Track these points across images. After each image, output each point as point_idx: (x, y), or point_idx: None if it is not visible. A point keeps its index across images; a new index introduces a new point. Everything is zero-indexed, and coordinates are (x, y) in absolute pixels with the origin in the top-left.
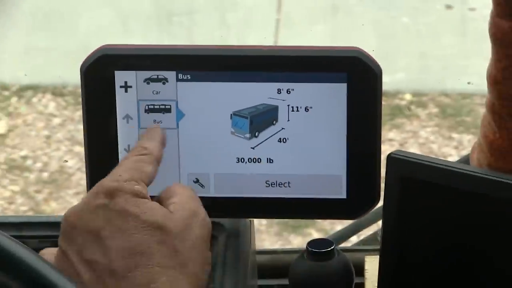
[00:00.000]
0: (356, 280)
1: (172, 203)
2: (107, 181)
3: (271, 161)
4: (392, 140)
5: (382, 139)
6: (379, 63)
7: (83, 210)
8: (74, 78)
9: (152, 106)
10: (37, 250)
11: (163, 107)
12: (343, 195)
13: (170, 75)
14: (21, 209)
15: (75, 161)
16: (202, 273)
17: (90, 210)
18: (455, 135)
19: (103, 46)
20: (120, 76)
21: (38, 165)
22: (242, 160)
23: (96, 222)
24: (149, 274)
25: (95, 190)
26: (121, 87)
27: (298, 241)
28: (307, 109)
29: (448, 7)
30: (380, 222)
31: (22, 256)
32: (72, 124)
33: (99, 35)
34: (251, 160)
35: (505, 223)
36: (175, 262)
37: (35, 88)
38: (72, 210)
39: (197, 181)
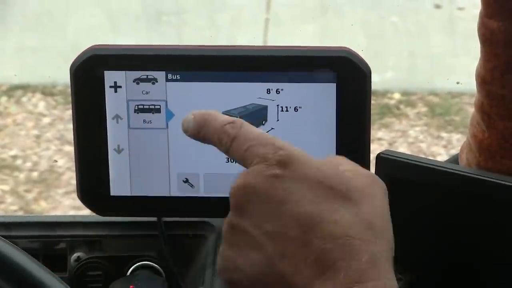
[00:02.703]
0: None
1: (346, 170)
2: (270, 152)
3: None
4: (381, 140)
5: (371, 138)
6: (368, 63)
7: (257, 183)
8: (63, 77)
9: (141, 106)
10: (26, 250)
11: (153, 107)
12: None
13: (160, 75)
14: (10, 208)
15: (64, 160)
16: (393, 244)
17: (265, 182)
18: (444, 134)
19: (92, 46)
20: (110, 76)
21: (28, 164)
22: (232, 160)
23: (274, 193)
24: (348, 248)
25: (262, 163)
26: (110, 87)
27: None
28: (297, 109)
29: (437, 6)
30: None
31: (13, 257)
32: (61, 123)
33: (88, 35)
34: None
35: (494, 222)
36: (373, 235)
37: (24, 88)
38: (242, 183)
39: (186, 181)
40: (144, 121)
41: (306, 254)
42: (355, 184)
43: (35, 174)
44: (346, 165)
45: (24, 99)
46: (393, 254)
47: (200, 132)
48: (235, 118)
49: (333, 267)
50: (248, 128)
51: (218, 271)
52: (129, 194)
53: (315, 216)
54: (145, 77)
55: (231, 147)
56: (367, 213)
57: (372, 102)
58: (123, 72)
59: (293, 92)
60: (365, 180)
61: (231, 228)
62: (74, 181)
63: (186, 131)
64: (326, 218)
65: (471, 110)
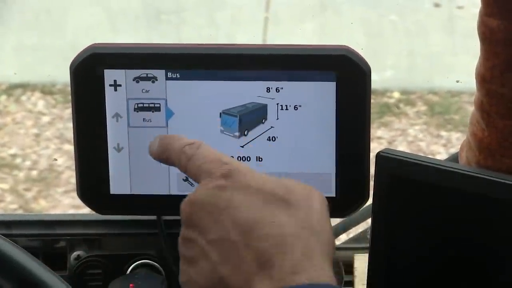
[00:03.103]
0: (345, 278)
1: (286, 180)
2: (215, 167)
3: (260, 159)
4: (381, 138)
5: (370, 137)
6: (367, 62)
7: (201, 195)
8: (63, 76)
9: (141, 105)
10: (27, 248)
11: (153, 105)
12: (332, 193)
13: (160, 73)
14: (10, 207)
15: (64, 159)
16: (333, 243)
17: (208, 194)
18: (443, 133)
19: (92, 45)
20: (110, 75)
21: (27, 163)
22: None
23: (217, 203)
24: (282, 244)
25: (207, 178)
26: (110, 85)
27: None
28: (296, 107)
29: (436, 5)
30: (369, 220)
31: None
32: (61, 122)
33: (87, 33)
34: (240, 158)
35: (494, 220)
36: (308, 233)
37: (24, 87)
38: (189, 198)
39: (186, 179)
40: (144, 119)
41: (244, 255)
42: (294, 191)
43: (34, 173)
44: (288, 179)
45: (24, 98)
46: (331, 253)
47: (163, 154)
48: (195, 140)
49: (268, 263)
50: (204, 148)
51: (181, 285)
52: (129, 193)
53: (252, 220)
54: (145, 75)
55: (187, 166)
56: (303, 215)
57: (372, 101)
58: (123, 70)
59: (293, 91)
60: (304, 189)
61: (183, 242)
62: (73, 180)
63: (151, 153)
64: (263, 221)
65: (471, 108)
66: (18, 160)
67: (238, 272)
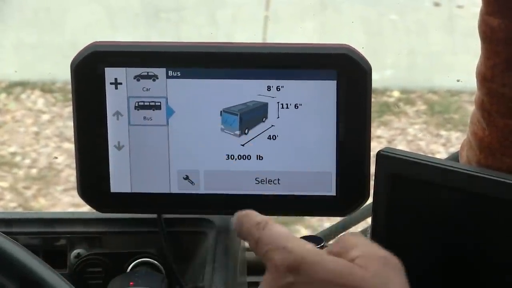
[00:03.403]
0: None
1: (356, 257)
2: (280, 258)
3: (261, 158)
4: (380, 137)
5: (371, 136)
6: (368, 60)
7: None
8: (63, 74)
9: (142, 103)
10: (27, 246)
11: (153, 104)
12: (332, 192)
13: (160, 72)
14: (10, 205)
15: (64, 157)
16: None
17: None
18: (443, 132)
19: (93, 43)
20: (110, 73)
21: (27, 161)
22: (232, 157)
23: None
24: None
25: (275, 271)
26: (111, 83)
27: None
28: (297, 106)
29: (436, 4)
30: (369, 219)
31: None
32: (61, 120)
33: (87, 31)
34: (241, 157)
35: (494, 220)
36: None
37: (24, 85)
38: None
39: (187, 178)
40: (144, 117)
41: None
42: (366, 277)
43: (34, 171)
44: (360, 248)
45: (23, 96)
46: None
47: (240, 233)
48: (261, 218)
49: None
50: (269, 230)
51: None
52: (129, 191)
53: None
54: (145, 74)
55: (256, 250)
56: None
57: (371, 100)
58: (124, 69)
59: (293, 89)
60: (378, 265)
61: None
62: (73, 178)
63: (235, 229)
64: None
65: (470, 108)
66: (17, 158)
67: None
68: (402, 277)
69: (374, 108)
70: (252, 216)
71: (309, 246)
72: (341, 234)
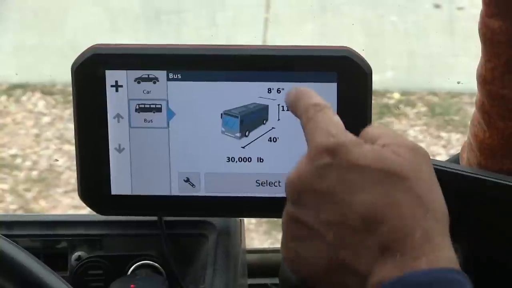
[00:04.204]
0: None
1: (387, 145)
2: (322, 139)
3: (261, 160)
4: None
5: None
6: (368, 62)
7: (309, 172)
8: (63, 76)
9: (142, 106)
10: (28, 249)
11: (154, 106)
12: None
13: (161, 74)
14: (10, 207)
15: (64, 159)
16: (446, 215)
17: (316, 171)
18: (443, 134)
19: (94, 45)
20: (111, 76)
21: (28, 163)
22: (233, 160)
23: (326, 182)
24: (402, 228)
25: (313, 151)
26: (112, 86)
27: None
28: None
29: (436, 6)
30: None
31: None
32: (61, 122)
33: (88, 33)
34: (241, 159)
35: (494, 221)
36: (424, 211)
37: (24, 87)
38: (296, 174)
39: (187, 180)
40: (145, 120)
41: (364, 240)
42: (401, 161)
43: (34, 173)
44: (385, 138)
45: (24, 98)
46: (447, 226)
47: (293, 106)
48: (321, 101)
49: (390, 249)
50: (324, 114)
51: (283, 259)
52: (130, 193)
53: (369, 203)
54: (146, 76)
55: (306, 128)
56: (416, 189)
57: (372, 101)
58: (124, 71)
59: None
60: (409, 152)
61: (289, 219)
62: (73, 180)
63: (286, 102)
64: (379, 203)
65: (471, 109)
66: (18, 161)
67: (359, 257)
68: (431, 166)
69: (374, 110)
70: (311, 94)
71: (351, 135)
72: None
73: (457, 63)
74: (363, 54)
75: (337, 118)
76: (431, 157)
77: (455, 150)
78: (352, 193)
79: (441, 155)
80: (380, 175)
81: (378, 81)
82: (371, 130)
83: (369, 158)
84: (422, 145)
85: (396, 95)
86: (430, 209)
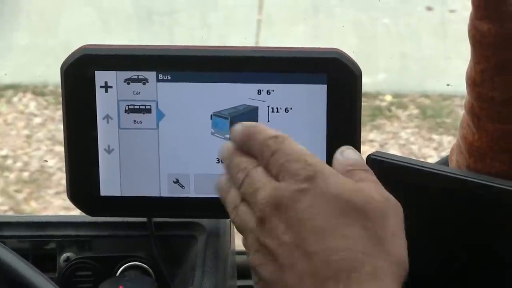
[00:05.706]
0: None
1: (364, 181)
2: (299, 167)
3: None
4: (373, 141)
5: (362, 140)
6: (360, 64)
7: (284, 198)
8: (54, 77)
9: (132, 106)
10: (16, 250)
11: (143, 107)
12: None
13: (151, 75)
14: (1, 208)
15: (55, 160)
16: (405, 262)
17: (290, 197)
18: (435, 137)
19: (83, 46)
20: (101, 76)
21: (19, 164)
22: (222, 161)
23: (297, 205)
24: (351, 261)
25: (291, 176)
26: (101, 87)
27: None
28: (287, 110)
29: (429, 8)
30: None
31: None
32: (52, 123)
33: (79, 34)
34: None
35: (483, 223)
36: (379, 250)
37: (15, 88)
38: (271, 196)
39: (177, 181)
40: (134, 121)
41: (311, 265)
42: (371, 201)
43: (25, 174)
44: (367, 184)
45: (15, 99)
46: (402, 274)
47: (245, 144)
48: (279, 133)
49: (333, 278)
50: (289, 143)
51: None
52: (119, 195)
53: (326, 229)
54: (136, 77)
55: (270, 161)
56: (378, 229)
57: (364, 104)
58: (114, 72)
59: (283, 93)
60: (381, 198)
61: (255, 239)
62: (64, 182)
63: (232, 140)
64: (335, 232)
65: (462, 112)
66: (9, 162)
67: (301, 282)
68: (401, 218)
69: (366, 112)
70: (262, 127)
71: (325, 164)
72: None
73: (449, 66)
74: (354, 56)
75: (302, 147)
76: (420, 159)
77: (446, 152)
78: (315, 218)
79: (433, 157)
80: (345, 207)
81: (370, 83)
82: (358, 170)
83: (342, 189)
84: (414, 147)
85: (388, 97)
86: (388, 252)
